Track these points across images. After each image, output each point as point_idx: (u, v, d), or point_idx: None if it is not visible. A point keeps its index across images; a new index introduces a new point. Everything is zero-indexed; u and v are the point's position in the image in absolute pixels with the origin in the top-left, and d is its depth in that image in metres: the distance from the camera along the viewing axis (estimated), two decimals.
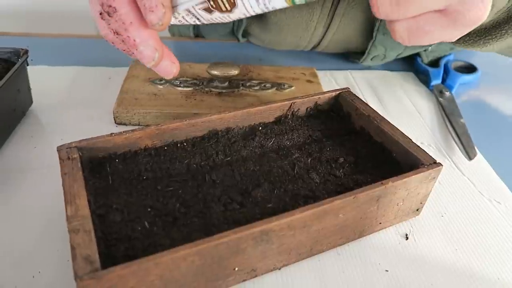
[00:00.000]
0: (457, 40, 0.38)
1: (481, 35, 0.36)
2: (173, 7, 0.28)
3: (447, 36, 0.26)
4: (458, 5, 0.24)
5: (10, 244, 0.31)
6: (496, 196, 0.39)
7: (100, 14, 0.28)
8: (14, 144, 0.41)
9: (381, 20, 0.51)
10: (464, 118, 0.49)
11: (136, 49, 0.28)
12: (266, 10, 0.27)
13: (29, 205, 0.35)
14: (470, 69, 0.60)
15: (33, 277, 0.29)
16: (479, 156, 0.44)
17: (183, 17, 0.29)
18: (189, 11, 0.28)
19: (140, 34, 0.27)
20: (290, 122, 0.39)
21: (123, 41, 0.28)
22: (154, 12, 0.26)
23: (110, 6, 0.26)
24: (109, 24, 0.28)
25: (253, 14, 0.27)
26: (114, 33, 0.28)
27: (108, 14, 0.27)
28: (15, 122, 0.43)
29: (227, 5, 0.26)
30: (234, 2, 0.26)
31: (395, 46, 0.54)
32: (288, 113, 0.40)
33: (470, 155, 0.43)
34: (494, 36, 0.35)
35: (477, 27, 0.35)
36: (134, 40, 0.27)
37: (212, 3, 0.27)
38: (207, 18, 0.29)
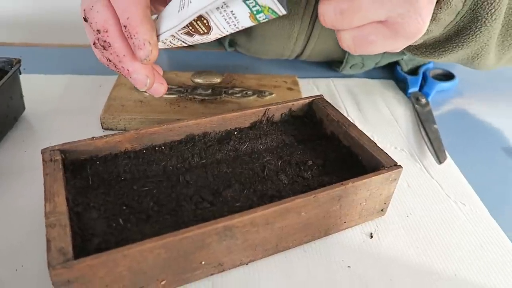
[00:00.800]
0: (415, 51, 0.40)
1: (435, 47, 0.38)
2: (158, 35, 0.31)
3: (390, 46, 0.28)
4: (397, 18, 0.26)
5: None
6: (462, 199, 0.41)
7: (94, 44, 0.31)
8: (5, 148, 0.43)
9: None
10: (438, 124, 0.51)
11: (130, 77, 0.31)
12: (237, 30, 0.29)
13: (17, 205, 0.37)
14: (448, 76, 0.62)
15: (16, 270, 0.32)
16: (449, 161, 0.46)
17: (170, 41, 0.32)
18: (174, 36, 0.31)
19: (132, 64, 0.31)
20: (265, 127, 0.41)
21: (115, 67, 0.32)
22: (142, 49, 0.29)
23: (105, 41, 0.29)
24: (103, 53, 0.32)
25: (228, 33, 0.30)
26: (107, 60, 0.32)
27: (104, 47, 0.30)
28: (7, 127, 0.45)
29: (204, 28, 0.30)
30: (209, 26, 0.29)
31: (371, 55, 0.57)
32: (263, 118, 0.42)
33: (440, 159, 0.45)
34: (446, 49, 0.37)
35: (431, 39, 0.38)
36: (128, 70, 0.31)
37: (191, 27, 0.30)
38: (190, 40, 0.32)
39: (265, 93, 0.52)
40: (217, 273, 0.32)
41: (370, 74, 0.62)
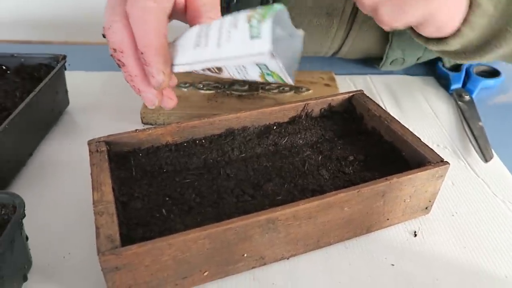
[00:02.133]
0: (455, 56, 0.40)
1: (475, 51, 0.39)
2: (172, 65, 0.31)
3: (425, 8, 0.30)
4: None
5: (45, 228, 0.35)
6: (510, 197, 0.39)
7: (111, 55, 0.32)
8: (51, 141, 0.45)
9: None
10: (483, 122, 0.49)
11: (139, 93, 0.32)
12: (245, 79, 0.30)
13: (63, 195, 0.38)
14: (493, 73, 0.59)
15: (64, 257, 0.33)
16: (495, 159, 0.44)
17: (184, 70, 0.32)
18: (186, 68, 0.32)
19: (143, 85, 0.31)
20: (304, 122, 0.41)
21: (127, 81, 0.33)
22: (155, 78, 0.30)
23: (119, 60, 0.30)
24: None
25: (238, 78, 0.30)
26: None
27: (118, 65, 0.31)
28: (53, 121, 0.47)
29: (215, 69, 0.30)
30: (221, 69, 0.30)
31: (413, 49, 0.55)
32: (302, 113, 0.42)
33: (486, 157, 0.43)
34: (486, 51, 0.38)
35: (470, 45, 0.38)
36: (138, 89, 0.32)
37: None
38: (200, 72, 0.32)
39: (302, 89, 0.51)
40: (258, 267, 0.32)
41: (409, 71, 0.60)
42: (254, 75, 0.28)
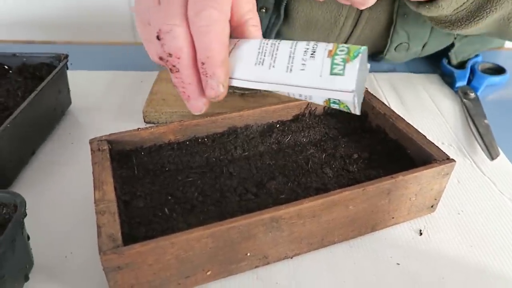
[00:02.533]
0: (447, 24, 0.40)
1: (470, 17, 0.39)
2: (229, 78, 0.30)
3: None
4: None
5: (46, 228, 0.35)
6: None
7: (161, 58, 0.29)
8: (54, 140, 0.45)
9: (399, 3, 0.51)
10: (488, 119, 0.48)
11: (188, 101, 0.30)
12: (305, 100, 0.30)
13: (65, 194, 0.38)
14: (498, 71, 0.59)
15: (66, 257, 0.32)
16: (502, 157, 0.43)
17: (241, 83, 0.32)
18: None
19: (195, 93, 0.29)
20: (307, 120, 0.41)
21: (175, 86, 0.30)
22: (214, 90, 0.28)
23: (174, 66, 0.28)
24: (166, 67, 0.30)
25: (296, 98, 0.29)
26: (162, 60, 0.30)
27: (170, 70, 0.29)
28: (55, 120, 0.47)
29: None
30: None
31: (418, 33, 0.54)
32: (305, 111, 0.41)
33: (492, 155, 0.43)
34: (480, 17, 0.38)
35: (461, 12, 0.38)
36: (188, 96, 0.30)
37: None
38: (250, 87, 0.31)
39: None
40: (262, 266, 0.31)
41: (414, 68, 0.60)
42: (318, 101, 0.28)
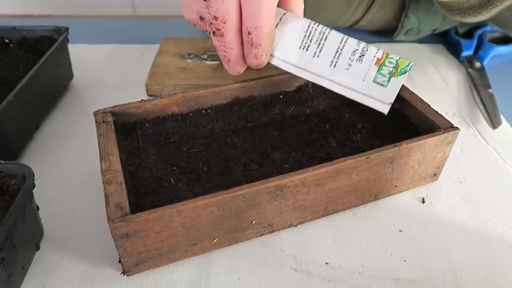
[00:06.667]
0: (460, 12, 0.39)
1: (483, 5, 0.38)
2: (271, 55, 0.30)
3: None
4: None
5: (54, 199, 0.35)
6: None
7: (201, 18, 0.29)
8: (57, 113, 0.45)
9: None
10: (494, 89, 0.48)
11: (227, 63, 0.30)
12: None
13: (71, 166, 0.38)
14: (506, 40, 0.58)
15: (74, 227, 0.33)
16: (506, 126, 0.43)
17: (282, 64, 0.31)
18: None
19: (236, 57, 0.29)
20: (311, 91, 0.40)
21: (217, 49, 0.29)
22: (257, 59, 0.28)
23: (218, 29, 0.28)
24: (204, 28, 0.29)
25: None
26: (207, 30, 0.29)
27: (213, 33, 0.28)
28: (58, 94, 0.47)
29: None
30: None
31: (429, 19, 0.53)
32: (309, 82, 0.41)
33: (494, 124, 0.43)
34: (494, 4, 0.37)
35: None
36: (229, 60, 0.30)
37: None
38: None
39: None
40: (267, 234, 0.32)
41: (419, 39, 0.59)
42: (349, 97, 0.29)
